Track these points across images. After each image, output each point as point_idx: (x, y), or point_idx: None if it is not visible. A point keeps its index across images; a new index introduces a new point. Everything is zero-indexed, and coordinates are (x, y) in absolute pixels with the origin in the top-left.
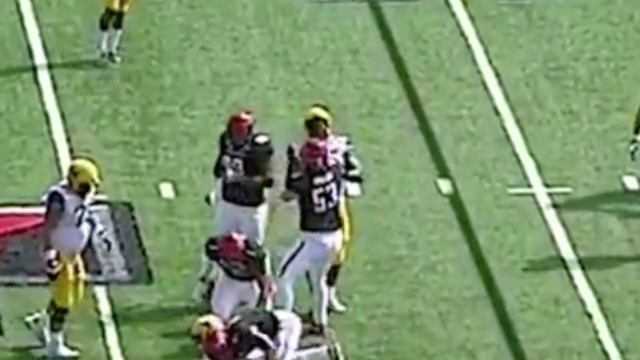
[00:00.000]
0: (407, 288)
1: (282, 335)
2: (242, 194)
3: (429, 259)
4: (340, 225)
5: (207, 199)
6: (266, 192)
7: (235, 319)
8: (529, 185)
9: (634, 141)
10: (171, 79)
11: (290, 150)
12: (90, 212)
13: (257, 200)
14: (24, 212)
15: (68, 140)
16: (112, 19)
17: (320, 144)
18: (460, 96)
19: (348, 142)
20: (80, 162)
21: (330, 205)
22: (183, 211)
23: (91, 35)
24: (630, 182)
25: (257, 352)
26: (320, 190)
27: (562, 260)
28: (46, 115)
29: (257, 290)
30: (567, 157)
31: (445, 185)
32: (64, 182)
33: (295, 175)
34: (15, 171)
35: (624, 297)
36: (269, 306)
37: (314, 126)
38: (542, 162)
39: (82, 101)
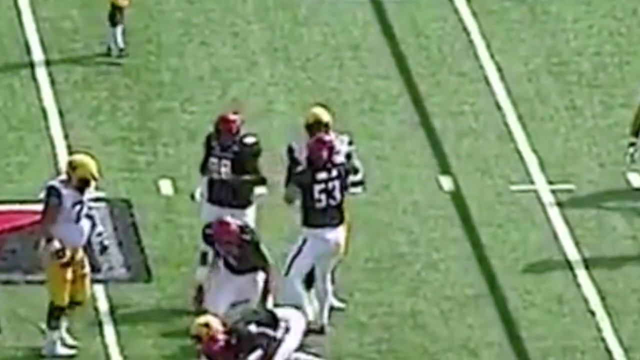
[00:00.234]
0: (409, 286)
1: (278, 337)
2: (230, 196)
3: (431, 257)
4: (342, 221)
5: (192, 197)
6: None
7: (234, 320)
8: (532, 182)
9: (632, 144)
10: (170, 74)
11: (290, 150)
12: (90, 209)
13: (245, 202)
14: (21, 209)
15: (66, 136)
16: (117, 13)
17: (327, 138)
18: (462, 92)
19: (350, 143)
20: (79, 157)
21: (332, 202)
22: (182, 208)
23: (89, 30)
24: (635, 179)
25: (258, 352)
26: (322, 186)
27: (565, 258)
28: (44, 111)
29: (258, 284)
30: (570, 154)
31: (447, 182)
32: (63, 177)
33: (298, 168)
34: (12, 168)
35: (628, 295)
36: (270, 303)
37: (315, 130)
38: (545, 158)
39: (80, 97)
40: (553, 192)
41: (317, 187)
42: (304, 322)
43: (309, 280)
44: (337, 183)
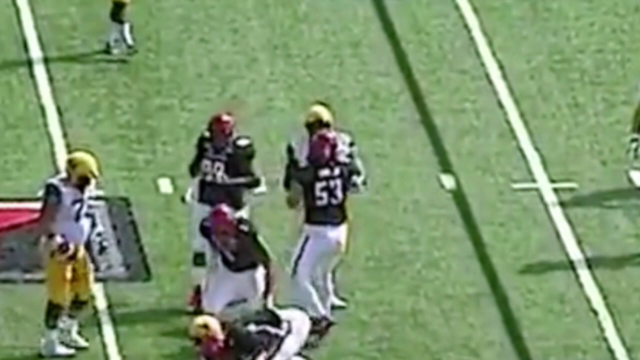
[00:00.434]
0: (410, 285)
1: (279, 338)
2: (222, 196)
3: (432, 255)
4: (344, 220)
5: (183, 199)
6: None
7: (233, 320)
8: (534, 180)
9: (634, 140)
10: (169, 71)
11: (290, 150)
12: (90, 207)
13: (238, 203)
14: (19, 207)
15: (64, 134)
16: (121, 10)
17: (330, 135)
18: (464, 89)
19: (351, 144)
20: (79, 155)
21: (334, 201)
22: (181, 207)
23: (87, 28)
24: (637, 177)
25: (262, 355)
26: (324, 183)
27: (567, 257)
28: (42, 109)
29: (258, 283)
30: (572, 152)
31: (448, 180)
32: (62, 175)
33: (301, 165)
34: (10, 166)
35: (630, 294)
36: (271, 298)
37: (316, 129)
38: (547, 156)
39: (78, 94)
40: (555, 190)
41: (319, 185)
42: (308, 323)
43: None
44: (339, 181)
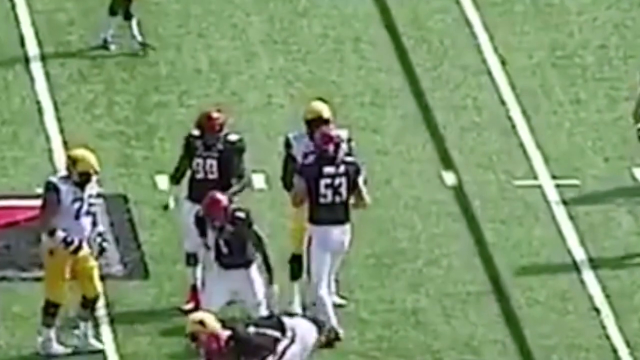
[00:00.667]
0: (410, 283)
1: (281, 344)
2: None
3: (433, 253)
4: (348, 219)
5: (166, 207)
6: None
7: (236, 323)
8: (536, 177)
9: None
10: (167, 67)
11: (287, 145)
12: (91, 205)
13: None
14: (16, 204)
15: (61, 130)
16: (129, 5)
17: (334, 133)
18: (465, 86)
19: (349, 140)
20: (79, 151)
21: (338, 199)
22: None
23: (84, 23)
24: None
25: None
26: (328, 180)
27: (570, 255)
28: (39, 105)
29: (253, 282)
30: (574, 148)
31: (449, 177)
32: (62, 174)
33: (306, 162)
34: (6, 162)
35: (634, 293)
36: (276, 288)
37: (315, 126)
38: (549, 153)
39: (75, 90)
40: (557, 187)
41: (323, 182)
42: (314, 333)
43: (294, 273)
44: (343, 180)
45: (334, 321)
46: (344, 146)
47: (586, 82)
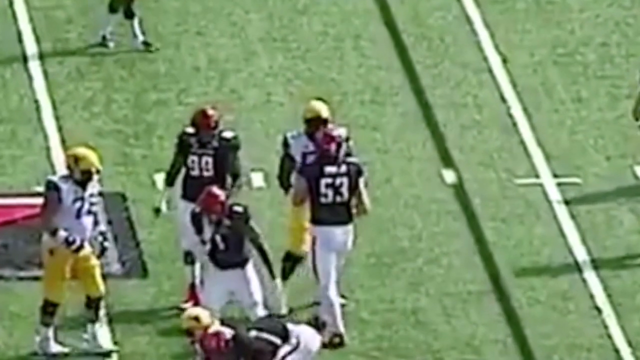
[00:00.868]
0: (411, 282)
1: (282, 351)
2: None
3: (433, 252)
4: (351, 220)
5: (158, 210)
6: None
7: (240, 325)
8: (537, 176)
9: None
10: (166, 65)
11: (286, 144)
12: (92, 204)
13: None
14: (13, 203)
15: (59, 129)
16: (124, 4)
17: (336, 133)
18: (466, 83)
19: (347, 139)
20: (81, 149)
21: (339, 199)
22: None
23: (83, 20)
24: None
25: None
26: (329, 180)
27: (571, 254)
28: (36, 103)
29: (249, 282)
30: (576, 146)
31: (449, 176)
32: (63, 173)
33: (307, 161)
34: (4, 160)
35: (635, 292)
36: (279, 283)
37: (314, 125)
38: (550, 151)
39: (73, 88)
40: (559, 185)
41: (324, 181)
42: (318, 341)
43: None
44: (345, 180)
45: (340, 326)
46: (345, 146)
47: (588, 80)
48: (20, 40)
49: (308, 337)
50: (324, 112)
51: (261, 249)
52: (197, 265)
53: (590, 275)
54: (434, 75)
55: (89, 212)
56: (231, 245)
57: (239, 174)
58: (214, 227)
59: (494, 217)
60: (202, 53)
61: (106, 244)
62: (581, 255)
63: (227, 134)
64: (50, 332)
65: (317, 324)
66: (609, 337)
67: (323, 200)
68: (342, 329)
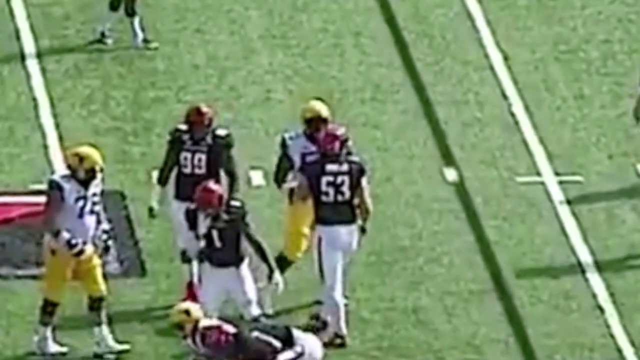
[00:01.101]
0: (411, 281)
1: (283, 356)
2: None
3: (434, 251)
4: (355, 219)
5: (151, 210)
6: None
7: (245, 325)
8: (539, 174)
9: None
10: (165, 62)
11: (284, 144)
12: (94, 204)
13: None
14: (11, 201)
15: (57, 126)
16: (126, 2)
17: (339, 132)
18: (467, 81)
19: (345, 140)
20: (85, 148)
21: (340, 198)
22: None
23: (80, 17)
24: None
25: None
26: (330, 178)
27: (573, 252)
28: (34, 101)
29: (245, 280)
30: (578, 144)
31: (450, 174)
32: (64, 173)
33: (309, 159)
34: (1, 158)
35: (638, 291)
36: (278, 276)
37: (314, 125)
38: (552, 149)
39: (71, 85)
40: (560, 184)
41: (325, 179)
42: (321, 350)
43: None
44: (346, 178)
45: (343, 327)
46: (350, 143)
47: (590, 77)
48: (17, 37)
49: (313, 346)
50: (324, 111)
51: (258, 244)
52: (195, 264)
53: (592, 275)
54: (435, 73)
55: (92, 211)
56: (227, 242)
57: (237, 175)
58: (211, 220)
59: (495, 215)
60: (201, 50)
61: (110, 242)
62: (583, 254)
63: (221, 132)
64: (49, 332)
65: (317, 323)
66: (612, 336)
67: (324, 198)
68: (344, 331)
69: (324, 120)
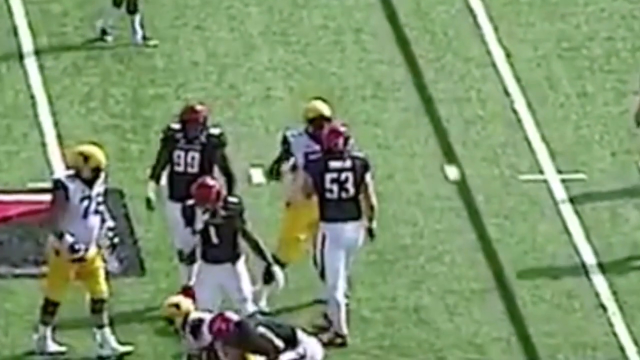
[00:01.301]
0: (413, 279)
1: (285, 356)
2: None
3: (436, 249)
4: (360, 216)
5: (149, 201)
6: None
7: (249, 319)
8: (541, 172)
9: None
10: (164, 59)
11: (285, 142)
12: (99, 204)
13: None
14: (9, 199)
15: (55, 124)
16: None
17: (342, 129)
18: (469, 78)
19: (348, 137)
20: (88, 147)
21: (344, 195)
22: None
23: (79, 14)
24: None
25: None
26: (334, 175)
27: (576, 251)
28: (32, 98)
29: (240, 278)
30: (581, 142)
31: (452, 172)
32: (68, 172)
33: (312, 157)
34: (0, 156)
35: None
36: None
37: (317, 124)
38: (555, 147)
39: (70, 83)
40: (563, 182)
41: (329, 176)
42: (322, 353)
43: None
44: (350, 174)
45: (344, 327)
46: (351, 141)
47: (593, 75)
48: (15, 34)
49: (315, 350)
50: (326, 110)
51: (255, 241)
52: (194, 267)
53: (595, 273)
54: (437, 70)
55: (96, 211)
56: (224, 238)
57: (233, 174)
58: (209, 216)
59: (497, 213)
60: (201, 47)
61: (116, 240)
62: (586, 252)
63: (214, 131)
64: (49, 331)
65: (325, 322)
66: (614, 335)
67: (328, 195)
68: (345, 331)
69: (327, 120)
